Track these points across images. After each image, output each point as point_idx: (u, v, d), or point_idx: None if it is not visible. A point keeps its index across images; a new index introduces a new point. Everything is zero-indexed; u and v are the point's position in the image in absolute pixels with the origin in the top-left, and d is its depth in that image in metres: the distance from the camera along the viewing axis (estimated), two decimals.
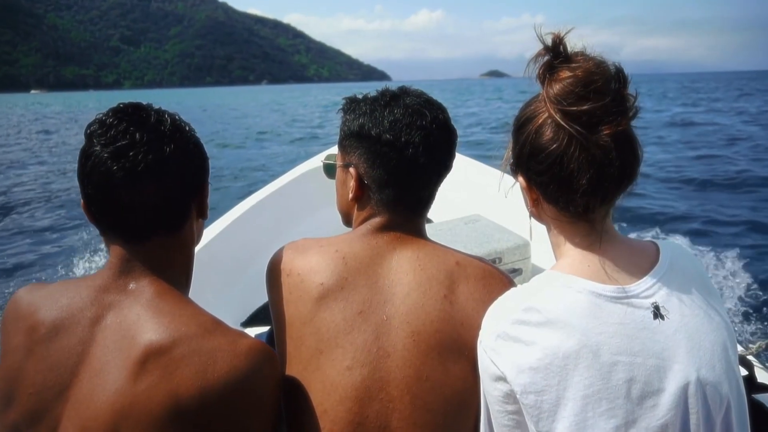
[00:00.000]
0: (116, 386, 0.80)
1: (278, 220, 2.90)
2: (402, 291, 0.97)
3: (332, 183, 3.81)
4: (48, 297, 0.90)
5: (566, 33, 0.82)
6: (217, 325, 0.87)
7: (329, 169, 1.23)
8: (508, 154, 0.96)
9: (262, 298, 2.56)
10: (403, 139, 1.01)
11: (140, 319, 0.85)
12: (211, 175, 1.03)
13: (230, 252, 2.49)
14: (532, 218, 0.96)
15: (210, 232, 2.45)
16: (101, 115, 0.89)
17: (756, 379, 1.32)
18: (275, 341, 1.05)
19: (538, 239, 0.97)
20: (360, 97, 1.11)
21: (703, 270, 0.91)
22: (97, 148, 0.85)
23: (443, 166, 1.07)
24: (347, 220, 1.16)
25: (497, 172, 3.13)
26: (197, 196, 0.97)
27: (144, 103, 0.94)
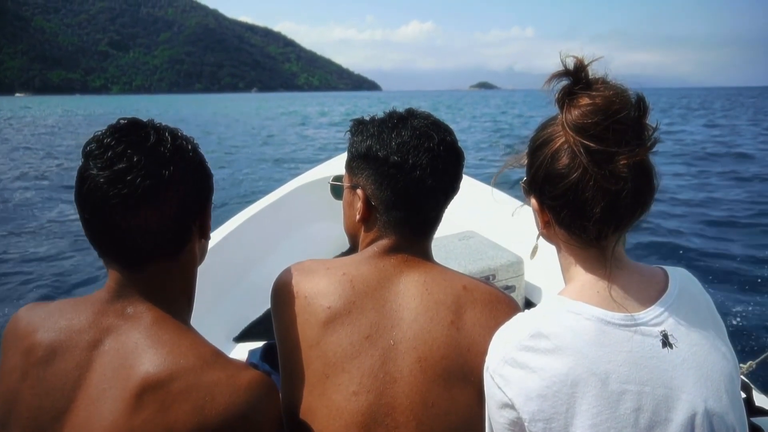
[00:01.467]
0: (112, 417, 0.79)
1: (271, 233, 2.89)
2: (409, 316, 0.97)
3: (326, 197, 3.81)
4: (47, 318, 0.88)
5: (590, 62, 0.81)
6: (217, 356, 0.85)
7: (336, 191, 1.23)
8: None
9: (255, 312, 2.57)
10: (410, 161, 1.01)
11: (138, 348, 0.83)
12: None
13: (223, 265, 2.47)
14: (539, 239, 0.96)
15: None
16: (99, 134, 0.86)
17: (754, 402, 1.32)
18: (280, 364, 1.03)
19: (532, 258, 1.00)
20: (368, 119, 1.11)
21: (709, 298, 0.90)
22: (94, 171, 0.83)
23: (450, 187, 1.07)
24: (354, 242, 1.16)
25: (492, 190, 3.17)
26: (199, 218, 0.94)
27: (144, 120, 0.91)
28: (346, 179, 1.13)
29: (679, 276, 0.89)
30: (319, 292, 0.99)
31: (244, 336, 2.37)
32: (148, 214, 0.84)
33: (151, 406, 0.78)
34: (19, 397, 0.83)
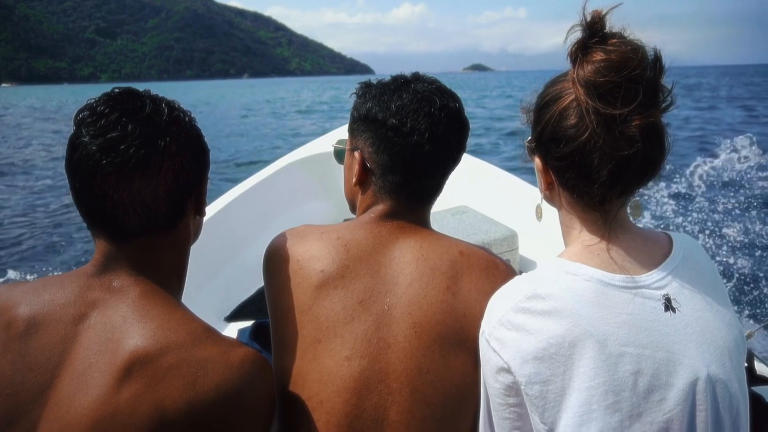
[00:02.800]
0: (98, 392, 0.75)
1: (263, 212, 2.84)
2: (404, 281, 0.95)
3: (319, 174, 3.74)
4: (28, 292, 0.84)
5: (608, 11, 0.77)
6: (209, 332, 0.83)
7: (339, 154, 1.21)
8: (522, 112, 0.91)
9: (246, 291, 2.53)
10: (408, 124, 0.99)
11: (126, 322, 0.80)
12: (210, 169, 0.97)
13: (214, 244, 2.43)
14: (542, 200, 0.94)
15: None
16: (92, 101, 0.83)
17: (755, 370, 1.31)
18: (271, 329, 1.02)
19: (526, 232, 0.99)
20: (375, 81, 1.08)
21: (714, 265, 0.88)
22: (86, 139, 0.79)
23: (450, 156, 1.04)
24: (353, 207, 1.14)
25: (484, 164, 3.15)
26: (194, 193, 0.91)
27: (140, 89, 0.87)
28: (348, 143, 1.11)
29: (683, 241, 0.86)
30: (312, 255, 0.98)
31: (235, 315, 2.34)
32: (142, 185, 0.81)
33: (140, 381, 0.75)
34: (0, 373, 0.79)
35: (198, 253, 2.33)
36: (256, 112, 32.86)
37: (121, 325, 0.79)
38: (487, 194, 2.90)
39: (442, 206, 2.60)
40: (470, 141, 1.09)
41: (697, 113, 20.65)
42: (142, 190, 0.81)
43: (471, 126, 1.08)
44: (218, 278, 2.42)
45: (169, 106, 0.87)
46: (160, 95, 0.89)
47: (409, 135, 0.99)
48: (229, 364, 0.79)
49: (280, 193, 3.02)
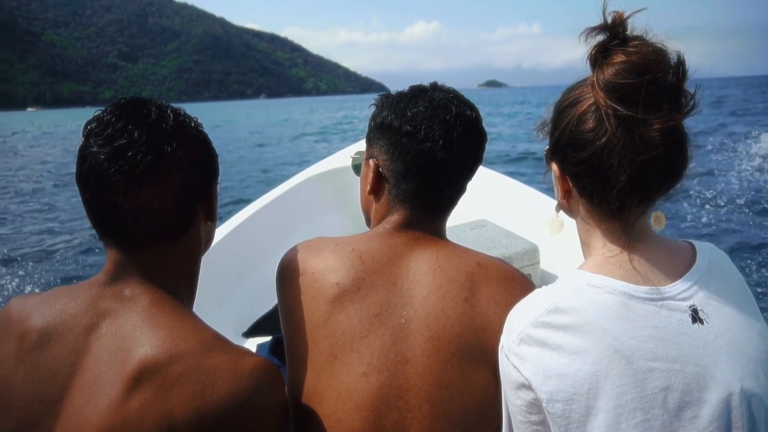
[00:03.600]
0: (108, 402, 0.75)
1: (280, 227, 2.84)
2: (421, 293, 0.93)
3: (334, 190, 3.74)
4: (41, 303, 0.85)
5: (631, 14, 0.74)
6: (219, 340, 0.82)
7: (357, 166, 1.19)
8: (537, 130, 0.89)
9: (263, 307, 2.52)
10: (423, 131, 0.97)
11: (136, 331, 0.80)
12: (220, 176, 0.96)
13: (231, 260, 2.43)
14: (559, 212, 0.91)
15: None
16: (99, 112, 0.83)
17: None
18: (285, 345, 1.00)
19: (547, 246, 0.96)
20: (395, 92, 1.07)
21: (740, 274, 0.84)
22: (94, 149, 0.80)
23: (465, 165, 1.01)
24: (368, 219, 1.12)
25: (503, 177, 3.12)
26: (204, 199, 0.90)
27: (147, 98, 0.87)
28: (365, 153, 1.10)
29: (707, 250, 0.83)
30: (326, 268, 0.95)
31: (253, 331, 2.33)
32: (151, 192, 0.81)
33: (149, 390, 0.75)
34: (13, 385, 0.79)
35: (216, 268, 2.35)
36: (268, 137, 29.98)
37: (131, 334, 0.79)
38: (507, 208, 2.87)
39: (460, 220, 2.57)
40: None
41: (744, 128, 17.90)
42: (151, 196, 0.81)
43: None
44: (236, 293, 2.42)
45: (175, 112, 0.87)
46: (167, 103, 0.88)
47: (423, 141, 0.97)
48: (239, 372, 0.78)
49: (298, 208, 3.02)
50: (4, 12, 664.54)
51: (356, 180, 1.12)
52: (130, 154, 0.79)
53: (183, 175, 0.84)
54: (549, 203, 2.74)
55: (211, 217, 0.94)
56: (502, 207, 2.88)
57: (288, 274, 0.99)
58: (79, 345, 0.80)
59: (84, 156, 0.81)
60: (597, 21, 0.74)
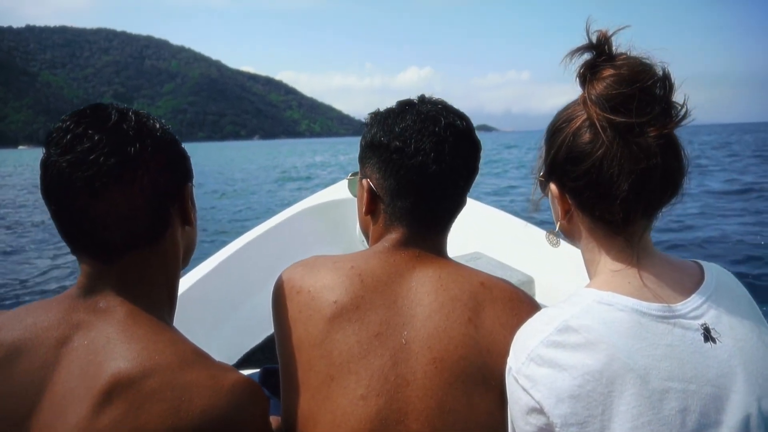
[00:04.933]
0: (77, 418, 0.71)
1: (273, 258, 2.81)
2: (423, 313, 0.89)
3: (328, 223, 3.72)
4: (12, 317, 0.80)
5: (615, 32, 0.76)
6: (198, 356, 0.78)
7: (352, 186, 1.17)
8: (539, 164, 0.89)
9: (254, 338, 2.48)
10: (413, 145, 0.94)
11: (110, 343, 0.76)
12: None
13: (222, 291, 2.39)
14: (557, 232, 0.89)
15: (201, 270, 2.37)
16: (60, 121, 0.81)
17: None
18: (280, 368, 0.96)
19: (543, 277, 0.94)
20: (383, 109, 1.05)
21: (748, 293, 0.83)
22: (54, 157, 0.77)
23: (460, 176, 0.98)
24: (367, 239, 1.10)
25: (495, 211, 3.14)
26: (177, 202, 0.86)
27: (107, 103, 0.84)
28: (359, 173, 1.07)
29: (714, 268, 0.83)
30: (324, 286, 0.92)
31: (243, 363, 2.27)
32: (117, 197, 0.77)
33: (121, 406, 0.71)
34: None
35: (207, 299, 2.32)
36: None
37: (104, 347, 0.75)
38: (500, 240, 2.86)
39: (455, 253, 2.56)
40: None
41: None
42: (118, 200, 0.77)
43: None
44: (227, 325, 2.37)
45: (137, 115, 0.84)
46: (128, 106, 0.85)
47: (413, 156, 0.94)
48: (217, 389, 0.74)
49: (292, 240, 3.00)
50: (2, 52, 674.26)
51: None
52: (92, 158, 0.75)
53: (151, 176, 0.80)
54: (542, 235, 2.74)
55: (187, 222, 0.90)
56: (496, 239, 2.88)
57: (284, 293, 0.96)
58: (49, 359, 0.76)
59: (46, 166, 0.78)
60: (585, 30, 0.76)
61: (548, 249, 0.92)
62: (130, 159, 0.78)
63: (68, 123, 0.79)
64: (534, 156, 0.92)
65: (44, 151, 0.79)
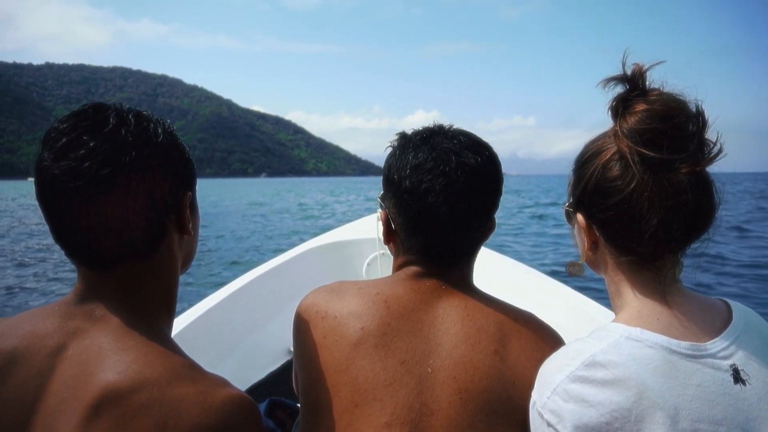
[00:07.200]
0: (67, 430, 0.69)
1: (278, 295, 2.87)
2: (449, 342, 0.88)
3: (336, 262, 3.78)
4: (9, 325, 0.78)
5: (650, 67, 0.75)
6: (189, 369, 0.75)
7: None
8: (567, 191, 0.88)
9: (258, 373, 2.50)
10: (423, 186, 0.93)
11: (102, 353, 0.73)
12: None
13: (228, 325, 2.44)
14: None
15: (207, 304, 2.42)
16: (57, 122, 0.78)
17: None
18: (300, 395, 0.94)
19: (551, 323, 0.94)
20: (408, 133, 1.03)
21: None
22: (47, 163, 0.74)
23: (474, 214, 0.95)
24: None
25: (496, 254, 3.17)
26: (173, 212, 0.82)
27: (109, 103, 0.81)
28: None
29: (741, 308, 0.81)
30: (351, 312, 0.91)
31: None
32: (110, 207, 0.74)
33: (109, 420, 0.68)
34: None
35: (212, 332, 2.35)
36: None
37: (96, 357, 0.73)
38: (504, 285, 2.90)
39: None
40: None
41: None
42: (111, 212, 0.74)
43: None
44: (230, 359, 2.40)
45: (138, 117, 0.80)
46: (131, 107, 0.82)
47: (423, 197, 0.92)
48: (207, 405, 0.71)
49: (298, 278, 3.06)
50: (20, 87, 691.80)
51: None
52: (85, 166, 0.72)
53: (146, 186, 0.77)
54: (546, 279, 2.78)
55: (185, 231, 0.85)
56: (499, 284, 2.92)
57: (308, 317, 0.94)
58: (44, 367, 0.74)
59: (39, 170, 0.75)
60: (588, 115, 0.81)
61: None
62: (125, 168, 0.74)
63: (65, 125, 0.76)
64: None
65: (39, 152, 0.76)
